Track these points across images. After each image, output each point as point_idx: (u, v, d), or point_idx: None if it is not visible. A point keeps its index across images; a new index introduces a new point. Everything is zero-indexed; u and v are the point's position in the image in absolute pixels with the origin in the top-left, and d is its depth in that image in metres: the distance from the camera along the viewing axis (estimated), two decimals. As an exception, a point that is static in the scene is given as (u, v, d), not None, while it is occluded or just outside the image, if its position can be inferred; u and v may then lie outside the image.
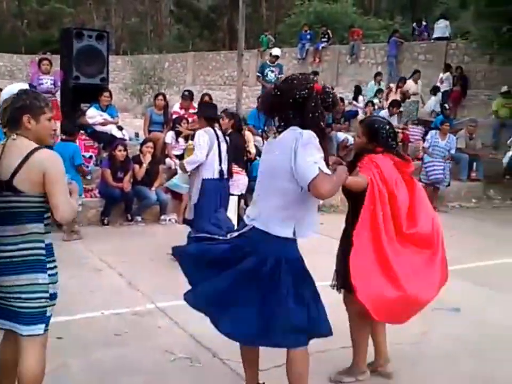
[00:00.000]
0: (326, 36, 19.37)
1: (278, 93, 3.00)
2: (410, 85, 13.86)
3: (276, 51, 13.45)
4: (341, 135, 11.55)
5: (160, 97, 9.94)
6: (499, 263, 6.95)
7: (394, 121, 12.08)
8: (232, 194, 6.79)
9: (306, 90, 2.93)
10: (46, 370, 2.91)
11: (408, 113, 13.33)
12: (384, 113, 12.18)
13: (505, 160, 11.74)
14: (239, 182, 7.20)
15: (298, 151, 2.84)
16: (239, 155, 7.13)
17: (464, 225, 9.37)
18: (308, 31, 19.79)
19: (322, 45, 19.17)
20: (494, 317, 5.10)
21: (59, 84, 9.58)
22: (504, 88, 13.30)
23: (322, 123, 2.98)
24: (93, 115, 8.96)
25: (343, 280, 3.56)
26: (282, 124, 3.02)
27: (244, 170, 7.39)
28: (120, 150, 8.02)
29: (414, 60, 16.63)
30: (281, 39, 28.06)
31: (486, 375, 3.99)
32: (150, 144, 8.37)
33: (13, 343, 2.91)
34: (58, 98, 9.81)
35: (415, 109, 13.69)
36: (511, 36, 11.78)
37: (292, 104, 2.94)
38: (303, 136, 2.87)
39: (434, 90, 14.13)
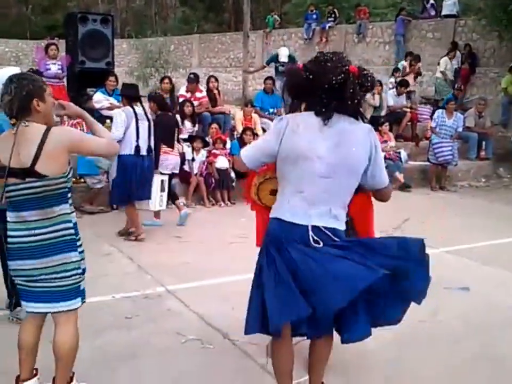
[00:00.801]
0: (333, 16, 19.19)
1: (310, 76, 2.74)
2: (446, 62, 14.12)
3: (283, 54, 12.12)
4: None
5: (166, 80, 9.90)
6: (508, 241, 6.93)
7: (402, 100, 12.01)
8: (163, 173, 7.12)
9: (343, 75, 2.68)
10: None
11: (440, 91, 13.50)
12: (391, 92, 12.11)
13: (514, 138, 11.67)
14: (168, 161, 7.34)
15: (377, 150, 2.77)
16: (167, 135, 7.27)
17: (473, 205, 9.34)
18: (314, 11, 19.62)
19: (329, 24, 19.00)
20: (502, 297, 5.09)
21: (65, 69, 9.57)
22: (507, 64, 13.16)
23: (361, 109, 2.83)
24: (99, 100, 8.94)
25: None
26: (313, 109, 2.79)
27: (174, 150, 7.51)
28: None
29: (422, 38, 16.46)
30: (287, 19, 27.86)
31: (494, 354, 3.99)
32: None
33: (34, 327, 3.07)
34: (66, 83, 9.81)
35: (446, 86, 13.90)
36: (520, 12, 11.64)
37: (327, 90, 2.71)
38: (374, 132, 2.80)
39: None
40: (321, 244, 2.73)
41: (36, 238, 2.87)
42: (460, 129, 10.86)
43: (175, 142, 7.58)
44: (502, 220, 8.05)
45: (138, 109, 6.53)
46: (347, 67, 2.71)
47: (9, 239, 2.94)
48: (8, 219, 2.94)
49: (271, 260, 2.80)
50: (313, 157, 2.72)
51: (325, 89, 2.71)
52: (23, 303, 3.08)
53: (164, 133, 7.06)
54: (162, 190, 7.02)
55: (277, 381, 3.03)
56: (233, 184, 8.85)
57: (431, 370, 3.63)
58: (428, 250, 2.79)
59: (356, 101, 2.73)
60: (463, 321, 4.52)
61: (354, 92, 2.69)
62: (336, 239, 2.76)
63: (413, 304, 2.86)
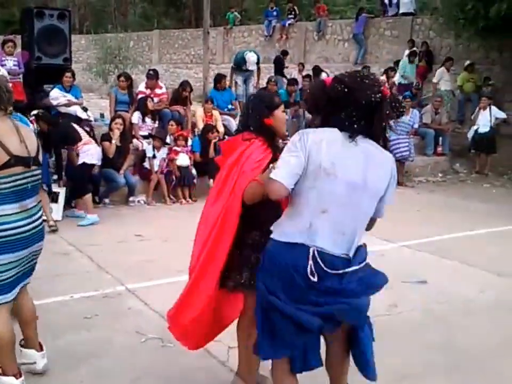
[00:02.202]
0: (293, 13, 19.27)
1: (345, 89, 2.54)
2: (442, 73, 13.43)
3: (252, 61, 12.04)
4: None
5: (122, 78, 9.78)
6: (465, 235, 7.09)
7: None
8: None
9: (380, 94, 2.53)
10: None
11: (445, 104, 12.93)
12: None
13: (470, 134, 11.95)
14: (91, 151, 7.52)
15: (393, 185, 2.66)
16: (69, 140, 7.53)
17: (431, 199, 9.53)
18: (274, 8, 19.67)
19: (289, 21, 19.07)
20: (459, 288, 5.21)
21: (22, 65, 9.38)
22: (467, 62, 13.46)
23: (386, 135, 2.68)
24: (56, 96, 8.79)
25: None
26: (339, 125, 2.57)
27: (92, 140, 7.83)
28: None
29: (380, 35, 16.67)
30: (248, 16, 27.87)
31: (454, 344, 4.09)
32: (119, 120, 8.26)
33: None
34: (21, 80, 9.59)
35: (449, 99, 13.44)
36: (476, 12, 11.86)
37: (361, 107, 2.52)
38: (395, 165, 2.71)
39: (397, 63, 14.22)
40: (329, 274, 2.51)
41: (36, 223, 3.11)
42: (416, 126, 11.08)
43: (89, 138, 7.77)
44: (459, 214, 8.23)
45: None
46: (382, 87, 2.58)
47: (3, 233, 2.94)
48: (4, 212, 2.94)
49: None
50: (337, 173, 2.50)
51: (359, 106, 2.53)
52: (8, 295, 3.08)
53: (64, 141, 7.50)
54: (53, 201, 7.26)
55: None
56: (195, 181, 8.82)
57: (392, 361, 3.69)
58: (387, 245, 2.83)
59: (385, 124, 2.61)
60: (422, 313, 4.61)
61: (389, 114, 2.57)
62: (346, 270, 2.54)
63: (371, 297, 2.89)
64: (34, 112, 7.50)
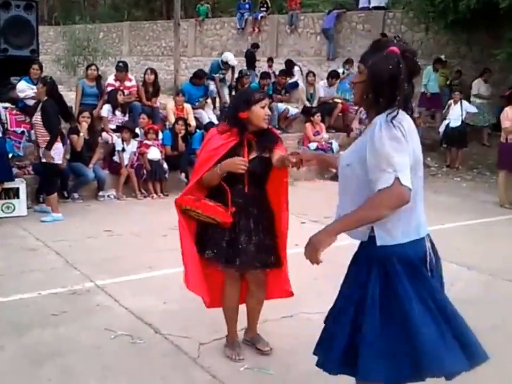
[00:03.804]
0: (265, 6, 19.21)
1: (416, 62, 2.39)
2: (479, 84, 12.63)
3: (231, 58, 12.01)
4: (282, 106, 11.55)
5: (93, 67, 9.65)
6: (434, 229, 7.11)
7: (333, 92, 12.17)
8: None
9: None
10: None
11: (483, 119, 12.43)
12: (323, 83, 12.25)
13: (441, 128, 12.04)
14: (59, 150, 7.04)
15: None
16: (50, 122, 6.88)
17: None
18: (247, 1, 19.56)
19: (261, 14, 19.00)
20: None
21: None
22: (434, 56, 13.55)
23: None
24: (23, 89, 8.59)
25: None
26: (403, 106, 2.33)
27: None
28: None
29: (352, 29, 16.71)
30: (220, 8, 27.71)
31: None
32: (86, 113, 8.12)
33: None
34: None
35: (485, 111, 12.51)
36: (445, 6, 11.97)
37: (410, 82, 2.39)
38: None
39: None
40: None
41: None
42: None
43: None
44: (429, 208, 8.25)
45: None
46: None
47: None
48: None
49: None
50: (421, 163, 2.42)
51: (411, 81, 2.34)
52: None
53: (51, 120, 6.85)
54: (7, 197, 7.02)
55: None
56: (166, 175, 8.72)
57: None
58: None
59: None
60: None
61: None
62: None
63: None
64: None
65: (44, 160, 6.92)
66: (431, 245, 2.45)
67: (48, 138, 6.81)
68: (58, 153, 6.97)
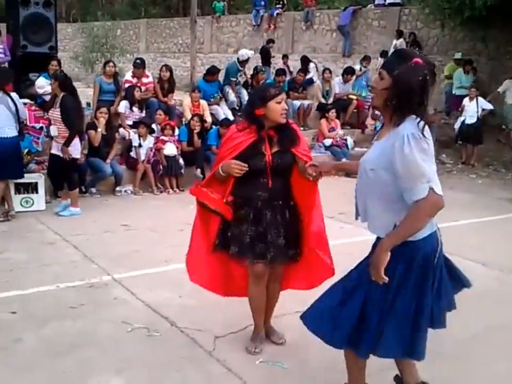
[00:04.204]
0: (281, 2, 19.18)
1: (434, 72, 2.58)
2: (510, 85, 12.12)
3: (245, 52, 11.67)
4: (297, 102, 11.57)
5: (111, 64, 9.72)
6: (449, 225, 7.12)
7: (348, 88, 12.16)
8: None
9: None
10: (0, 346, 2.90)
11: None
12: (338, 80, 12.24)
13: (457, 125, 11.98)
14: (76, 146, 7.03)
15: None
16: (69, 118, 6.85)
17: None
18: (262, -3, 19.56)
19: (277, 11, 18.98)
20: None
21: (9, 53, 9.28)
22: (458, 55, 13.47)
23: None
24: (42, 85, 8.69)
25: None
26: (420, 116, 2.52)
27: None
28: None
29: (367, 26, 16.66)
30: (236, 5, 27.73)
31: (439, 332, 4.11)
32: (104, 109, 8.20)
33: None
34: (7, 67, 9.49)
35: None
36: (461, 2, 11.89)
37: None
38: None
39: (384, 54, 14.11)
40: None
41: None
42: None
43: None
44: (446, 205, 8.24)
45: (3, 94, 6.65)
46: None
47: None
48: None
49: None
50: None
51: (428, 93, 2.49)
52: None
53: (71, 116, 6.80)
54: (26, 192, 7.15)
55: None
56: (182, 171, 8.79)
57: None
58: (372, 235, 2.83)
59: None
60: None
61: None
62: None
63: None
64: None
65: (61, 155, 6.91)
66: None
67: (67, 134, 6.84)
68: (76, 148, 7.01)
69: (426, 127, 2.46)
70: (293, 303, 3.65)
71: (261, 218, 3.38)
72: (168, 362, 3.54)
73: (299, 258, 3.55)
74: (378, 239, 2.67)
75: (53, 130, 7.05)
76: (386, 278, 2.51)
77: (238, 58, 11.51)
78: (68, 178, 7.16)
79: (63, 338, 3.81)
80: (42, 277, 4.92)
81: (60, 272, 5.06)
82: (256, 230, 3.38)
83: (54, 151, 7.10)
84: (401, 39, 14.81)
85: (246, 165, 3.29)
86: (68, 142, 6.83)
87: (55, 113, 6.91)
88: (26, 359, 3.52)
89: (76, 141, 7.01)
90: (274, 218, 3.41)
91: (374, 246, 2.69)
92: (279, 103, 3.32)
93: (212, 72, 10.73)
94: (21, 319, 4.08)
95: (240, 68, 11.49)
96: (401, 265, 2.54)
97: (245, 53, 11.62)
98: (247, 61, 11.58)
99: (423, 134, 2.42)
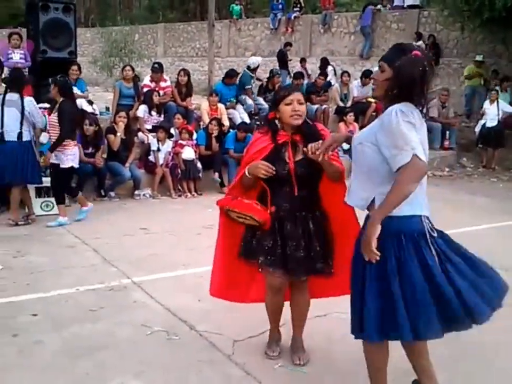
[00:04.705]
0: (298, 5, 19.21)
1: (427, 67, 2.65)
2: None
3: (254, 62, 11.78)
4: (313, 106, 11.57)
5: (128, 67, 9.80)
6: (470, 230, 7.05)
7: (367, 91, 12.11)
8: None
9: None
10: (21, 348, 2.90)
11: None
12: (356, 83, 12.20)
13: (477, 128, 11.88)
14: (76, 155, 6.84)
15: None
16: (68, 125, 6.59)
17: (436, 194, 9.45)
18: (280, 1, 19.58)
19: (295, 14, 19.00)
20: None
21: (29, 58, 9.39)
22: (480, 57, 13.35)
23: None
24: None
25: None
26: (417, 100, 2.69)
27: (72, 142, 6.75)
28: (86, 125, 7.86)
29: (386, 28, 16.59)
30: (253, 9, 27.78)
31: (459, 338, 4.07)
32: (123, 113, 8.28)
33: None
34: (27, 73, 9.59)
35: None
36: (481, 4, 11.79)
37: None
38: None
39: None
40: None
41: None
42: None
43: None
44: (465, 209, 8.19)
45: (10, 95, 6.61)
46: None
47: None
48: None
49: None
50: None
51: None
52: None
53: (65, 122, 6.52)
54: (47, 195, 7.18)
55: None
56: (200, 175, 8.81)
57: (392, 354, 3.67)
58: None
59: None
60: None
61: None
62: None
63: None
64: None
65: (60, 164, 6.64)
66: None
67: (65, 142, 6.58)
68: (75, 157, 6.75)
69: (420, 114, 2.60)
70: (312, 308, 3.62)
71: (281, 229, 3.27)
72: (187, 365, 3.53)
73: (332, 271, 3.36)
74: (366, 219, 2.72)
75: (44, 138, 6.99)
76: (378, 253, 2.53)
77: (249, 67, 11.59)
78: (53, 187, 6.87)
79: (83, 340, 3.83)
80: (62, 280, 4.95)
81: (79, 275, 5.09)
82: (274, 241, 3.27)
83: (52, 160, 6.71)
84: (421, 42, 14.73)
85: (274, 168, 3.17)
86: (53, 147, 6.55)
87: (53, 118, 6.67)
88: (47, 361, 3.54)
89: (75, 149, 6.78)
90: (295, 230, 3.26)
91: (364, 227, 2.73)
92: (289, 104, 3.21)
93: (230, 75, 10.77)
94: (42, 321, 4.11)
95: (252, 75, 11.56)
96: (390, 240, 2.60)
97: (255, 60, 11.85)
98: (257, 67, 11.76)
99: (410, 112, 2.53)
